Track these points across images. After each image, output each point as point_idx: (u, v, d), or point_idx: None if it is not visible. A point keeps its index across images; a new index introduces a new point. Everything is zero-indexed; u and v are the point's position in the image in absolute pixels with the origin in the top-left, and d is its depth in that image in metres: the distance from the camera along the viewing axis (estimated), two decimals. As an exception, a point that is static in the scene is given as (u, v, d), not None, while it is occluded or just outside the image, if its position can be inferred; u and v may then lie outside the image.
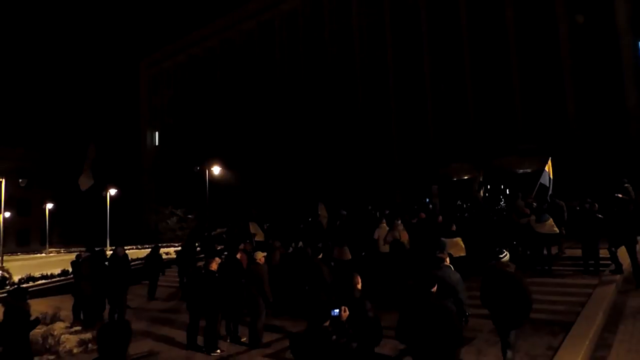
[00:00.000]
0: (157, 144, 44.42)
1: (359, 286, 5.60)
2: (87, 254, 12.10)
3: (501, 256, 6.33)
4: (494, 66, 22.96)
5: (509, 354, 6.12)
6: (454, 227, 10.79)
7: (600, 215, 10.64)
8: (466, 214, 13.76)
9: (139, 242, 30.04)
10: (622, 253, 9.93)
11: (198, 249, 15.63)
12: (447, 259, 7.02)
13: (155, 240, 30.30)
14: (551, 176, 13.65)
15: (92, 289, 10.91)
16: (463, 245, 10.33)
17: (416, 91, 25.97)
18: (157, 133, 44.65)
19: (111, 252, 13.46)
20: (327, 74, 30.27)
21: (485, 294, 6.20)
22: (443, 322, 4.57)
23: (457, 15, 24.54)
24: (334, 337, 4.29)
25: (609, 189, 14.44)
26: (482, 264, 7.46)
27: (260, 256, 9.02)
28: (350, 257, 11.06)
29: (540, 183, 13.45)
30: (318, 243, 12.64)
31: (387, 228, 11.58)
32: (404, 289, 6.43)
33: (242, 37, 36.67)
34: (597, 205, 11.23)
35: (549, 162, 14.14)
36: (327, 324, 4.40)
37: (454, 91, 24.45)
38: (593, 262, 10.45)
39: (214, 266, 8.61)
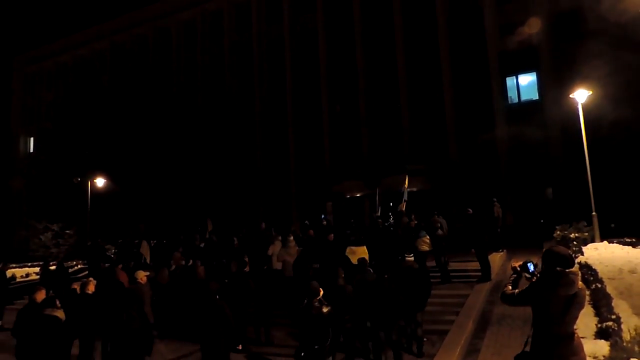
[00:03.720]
0: (31, 150, 39.89)
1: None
2: None
3: (408, 257, 8.58)
4: (385, 92, 24.50)
5: (419, 330, 8.16)
6: (353, 238, 12.38)
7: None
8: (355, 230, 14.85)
9: (5, 261, 26.36)
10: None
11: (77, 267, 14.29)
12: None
13: (26, 258, 27.02)
14: (406, 192, 16.11)
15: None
16: (367, 252, 11.06)
17: (312, 111, 26.49)
18: (32, 139, 40.11)
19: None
20: (225, 86, 29.77)
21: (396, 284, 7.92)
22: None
23: (353, 41, 25.79)
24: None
25: (480, 205, 16.22)
26: (391, 264, 9.59)
27: (142, 275, 8.47)
28: (248, 270, 10.98)
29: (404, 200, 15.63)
30: (210, 259, 12.32)
31: (281, 244, 11.69)
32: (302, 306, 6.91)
33: (136, 42, 34.58)
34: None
35: (406, 180, 16.21)
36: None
37: (349, 113, 25.50)
38: (442, 272, 11.95)
39: (91, 288, 7.91)
